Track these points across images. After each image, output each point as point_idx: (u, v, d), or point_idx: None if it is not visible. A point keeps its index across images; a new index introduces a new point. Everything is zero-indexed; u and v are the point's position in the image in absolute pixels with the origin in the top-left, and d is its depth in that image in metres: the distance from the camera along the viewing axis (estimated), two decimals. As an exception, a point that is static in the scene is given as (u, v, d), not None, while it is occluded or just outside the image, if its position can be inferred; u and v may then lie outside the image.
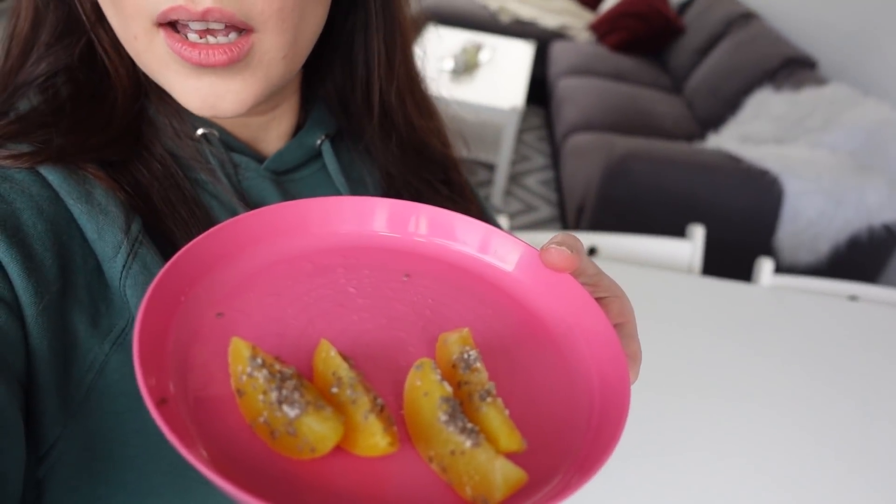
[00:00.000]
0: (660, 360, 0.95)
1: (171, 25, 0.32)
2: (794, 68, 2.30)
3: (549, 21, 3.48)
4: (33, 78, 0.36)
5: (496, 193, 2.55)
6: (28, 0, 0.36)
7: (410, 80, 0.47)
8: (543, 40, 3.36)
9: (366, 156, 0.48)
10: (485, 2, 3.59)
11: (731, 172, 1.74)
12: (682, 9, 3.37)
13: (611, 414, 0.26)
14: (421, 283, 0.32)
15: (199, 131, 0.39)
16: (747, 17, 2.79)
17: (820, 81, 2.14)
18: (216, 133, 0.39)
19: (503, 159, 2.47)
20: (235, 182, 0.39)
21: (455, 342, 0.28)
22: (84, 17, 0.36)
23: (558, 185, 2.69)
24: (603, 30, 3.37)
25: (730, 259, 1.52)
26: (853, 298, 1.21)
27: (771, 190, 1.73)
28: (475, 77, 2.62)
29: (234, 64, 0.33)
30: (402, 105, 0.46)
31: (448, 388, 0.25)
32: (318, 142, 0.44)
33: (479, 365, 0.27)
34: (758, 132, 2.11)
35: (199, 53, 0.32)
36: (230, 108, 0.35)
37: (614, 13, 3.35)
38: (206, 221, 0.37)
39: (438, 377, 0.25)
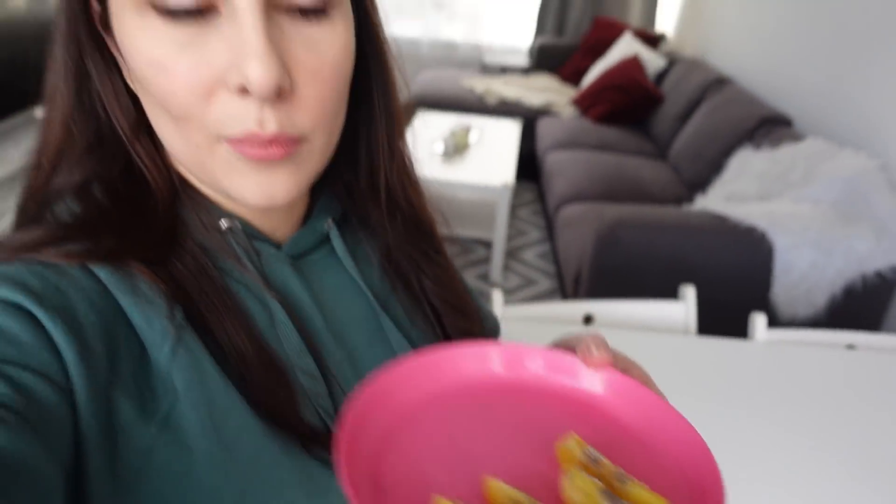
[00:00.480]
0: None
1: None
2: (770, 127, 2.39)
3: (533, 99, 3.64)
4: (67, 187, 0.40)
5: (494, 269, 2.59)
6: (60, 116, 0.41)
7: (406, 163, 0.51)
8: (530, 118, 3.50)
9: (366, 233, 0.52)
10: (471, 86, 3.77)
11: (720, 232, 1.78)
12: (659, 79, 3.53)
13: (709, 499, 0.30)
14: (538, 413, 0.37)
15: (224, 224, 0.43)
16: (721, 81, 2.92)
17: (797, 137, 2.22)
18: (238, 224, 0.43)
19: (499, 235, 2.53)
20: (259, 268, 0.43)
21: (573, 445, 0.33)
22: (123, 134, 0.41)
23: (555, 256, 2.74)
24: (586, 104, 3.52)
25: (728, 318, 1.53)
26: (851, 347, 1.22)
27: (760, 246, 1.77)
28: (466, 157, 2.72)
29: (288, 157, 0.38)
30: (403, 186, 0.51)
31: (598, 481, 0.30)
32: (326, 227, 0.49)
33: (602, 458, 0.32)
34: (742, 190, 2.17)
35: (262, 151, 0.37)
36: (284, 196, 0.39)
37: (595, 87, 3.51)
38: (236, 308, 0.40)
39: (587, 476, 0.30)
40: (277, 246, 0.46)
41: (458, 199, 2.84)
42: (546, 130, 3.29)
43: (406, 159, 0.52)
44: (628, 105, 3.36)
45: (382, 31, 0.46)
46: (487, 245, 2.75)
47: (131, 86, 0.40)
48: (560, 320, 1.25)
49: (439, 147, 2.69)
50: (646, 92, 3.35)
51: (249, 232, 0.44)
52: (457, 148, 2.74)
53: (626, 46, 3.68)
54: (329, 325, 0.46)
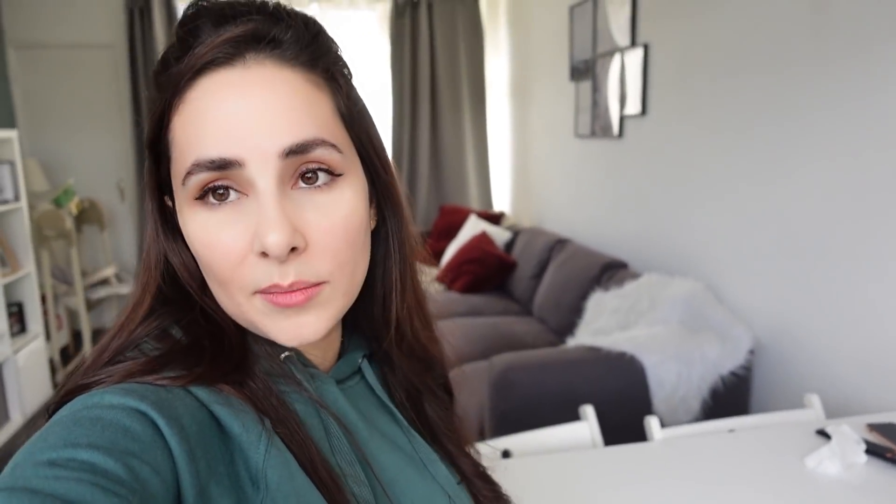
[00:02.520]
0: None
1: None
2: (612, 271, 2.75)
3: (401, 282, 3.86)
4: (147, 332, 0.48)
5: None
6: (153, 279, 0.50)
7: (418, 300, 0.60)
8: (401, 299, 3.69)
9: (388, 364, 0.60)
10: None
11: (597, 360, 1.98)
12: (509, 247, 3.95)
13: None
14: None
15: (283, 354, 0.50)
16: (562, 242, 3.35)
17: (635, 275, 2.58)
18: (293, 355, 0.51)
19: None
20: (314, 389, 0.50)
21: None
22: (192, 292, 0.50)
23: (452, 421, 2.77)
24: (449, 278, 3.80)
25: (623, 432, 1.66)
26: (731, 431, 1.39)
27: (633, 367, 1.97)
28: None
29: (309, 302, 0.46)
30: (412, 320, 0.59)
31: None
32: (359, 360, 0.57)
33: None
34: (604, 326, 2.43)
35: (285, 298, 0.45)
36: (311, 335, 0.47)
37: (454, 263, 3.83)
38: (297, 422, 0.47)
39: None
40: (324, 374, 0.54)
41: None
42: (419, 307, 3.48)
43: (418, 296, 0.60)
44: (487, 273, 3.69)
45: (396, 184, 0.54)
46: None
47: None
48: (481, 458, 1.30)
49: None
50: (499, 260, 3.71)
51: (303, 361, 0.52)
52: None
53: (473, 226, 4.12)
54: (372, 438, 0.53)
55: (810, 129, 1.85)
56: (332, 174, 0.46)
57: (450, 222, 4.37)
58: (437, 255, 4.28)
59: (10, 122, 4.00)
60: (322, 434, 0.49)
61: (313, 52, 0.47)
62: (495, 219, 4.34)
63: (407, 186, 4.70)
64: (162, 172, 0.49)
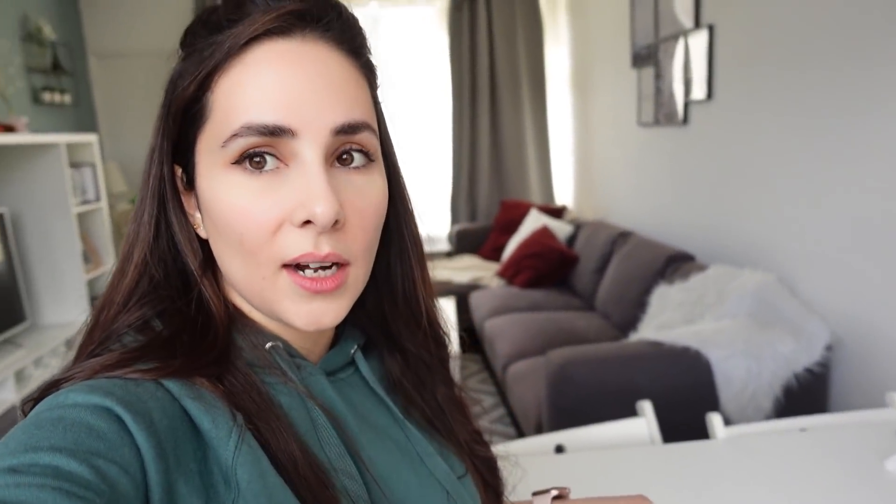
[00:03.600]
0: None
1: (292, 266, 0.45)
2: (677, 264, 2.65)
3: (461, 277, 3.86)
4: (132, 321, 0.46)
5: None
6: (139, 258, 0.48)
7: (432, 288, 0.60)
8: (461, 294, 3.69)
9: (390, 352, 0.59)
10: (401, 274, 3.97)
11: (659, 355, 1.90)
12: (571, 241, 3.87)
13: None
14: None
15: (269, 344, 0.49)
16: (625, 234, 3.26)
17: (701, 267, 2.47)
18: (280, 345, 0.50)
19: (453, 404, 2.53)
20: (301, 380, 0.49)
21: None
22: (194, 271, 0.49)
23: (512, 418, 2.75)
24: (510, 273, 3.77)
25: (686, 431, 1.59)
26: (803, 430, 1.30)
27: (698, 363, 1.88)
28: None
29: (336, 290, 0.46)
30: (432, 307, 0.60)
31: None
32: (352, 351, 0.56)
33: None
34: (668, 321, 2.34)
35: (317, 284, 0.45)
36: (329, 322, 0.46)
37: (515, 258, 3.79)
38: (283, 416, 0.46)
39: None
40: (313, 364, 0.52)
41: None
42: (479, 302, 3.46)
43: (431, 285, 0.60)
44: (548, 268, 3.63)
45: (404, 180, 0.57)
46: (443, 418, 2.73)
47: (201, 234, 0.49)
48: (532, 453, 1.27)
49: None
50: (561, 254, 3.64)
51: (290, 351, 0.50)
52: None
53: (534, 220, 4.06)
54: (362, 431, 0.51)
55: (891, 116, 1.72)
56: (368, 159, 0.48)
57: (511, 217, 4.33)
58: (498, 250, 4.25)
59: (92, 127, 4.24)
60: (309, 427, 0.47)
61: (358, 43, 0.49)
62: (557, 213, 4.27)
63: (467, 182, 4.69)
64: (187, 136, 0.47)
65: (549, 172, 4.76)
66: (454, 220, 4.75)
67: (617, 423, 1.32)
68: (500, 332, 2.91)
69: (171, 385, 0.42)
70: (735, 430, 1.29)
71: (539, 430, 2.01)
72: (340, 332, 0.57)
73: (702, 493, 1.05)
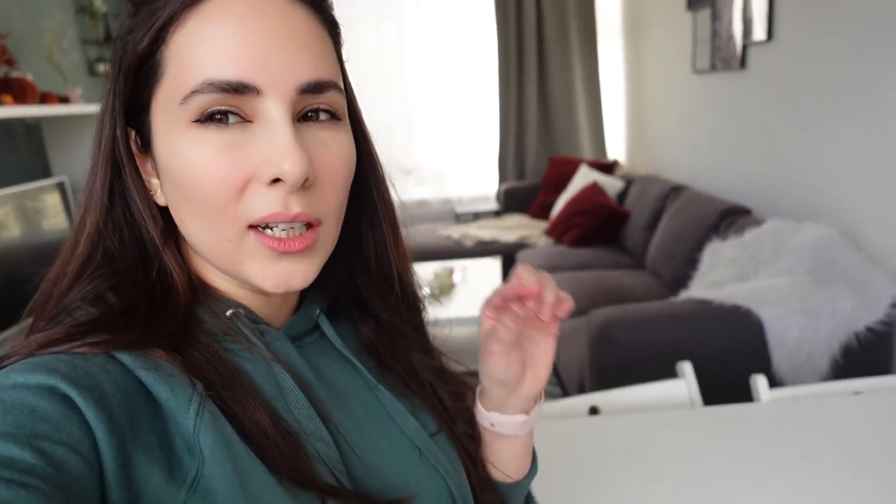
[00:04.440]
0: (680, 494, 0.93)
1: (259, 226, 0.43)
2: (732, 218, 2.52)
3: (508, 236, 3.81)
4: (86, 293, 0.45)
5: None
6: (93, 228, 0.46)
7: (406, 249, 0.58)
8: (508, 253, 3.65)
9: (361, 316, 0.57)
10: (447, 233, 3.96)
11: (706, 315, 1.82)
12: (620, 198, 3.75)
13: None
14: None
15: (229, 311, 0.47)
16: (678, 189, 3.12)
17: (758, 222, 2.34)
18: (242, 311, 0.48)
19: (497, 363, 2.53)
20: (266, 344, 0.47)
21: None
22: (155, 240, 0.46)
23: (557, 378, 2.72)
24: (558, 231, 3.69)
25: (738, 395, 1.53)
26: (857, 393, 1.22)
27: (749, 322, 1.80)
28: (452, 296, 2.80)
29: (305, 250, 0.44)
30: (406, 270, 0.58)
31: None
32: (316, 314, 0.54)
33: None
34: (720, 278, 2.24)
35: (285, 244, 0.43)
36: (299, 283, 0.45)
37: (564, 215, 3.71)
38: (248, 383, 0.44)
39: None
40: (276, 329, 0.51)
41: (451, 337, 2.86)
42: (525, 260, 3.42)
43: (404, 247, 0.58)
44: (597, 225, 3.53)
45: (372, 142, 0.55)
46: (488, 378, 2.74)
47: (159, 201, 0.47)
48: (565, 415, 1.24)
49: (424, 291, 2.78)
50: (611, 211, 3.54)
51: (251, 317, 0.49)
52: (442, 289, 2.83)
53: (584, 176, 3.95)
54: (330, 393, 0.50)
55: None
56: (335, 117, 0.46)
57: (560, 174, 4.22)
58: (547, 208, 4.16)
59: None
60: (277, 392, 0.46)
61: None
62: (608, 168, 4.14)
63: (515, 139, 4.58)
64: (141, 96, 0.44)
65: (600, 126, 4.60)
66: (502, 178, 4.68)
67: (655, 385, 1.28)
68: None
69: (125, 357, 0.40)
70: (781, 392, 1.23)
71: (582, 390, 1.98)
72: (304, 296, 0.55)
73: (738, 458, 1.01)
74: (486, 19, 4.50)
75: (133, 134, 0.47)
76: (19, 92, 2.44)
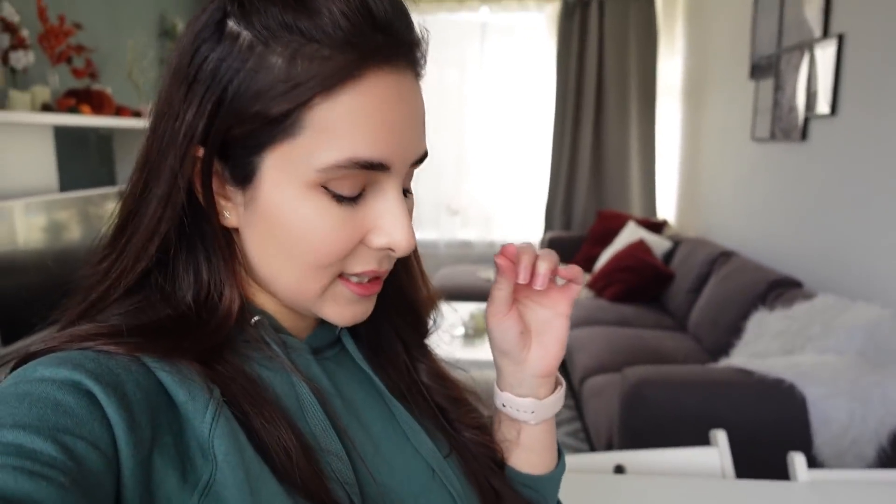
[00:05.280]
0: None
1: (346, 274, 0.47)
2: (781, 289, 2.45)
3: (549, 286, 3.78)
4: (120, 301, 0.45)
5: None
6: (137, 249, 0.44)
7: (418, 261, 0.59)
8: (547, 302, 3.61)
9: (373, 332, 0.58)
10: (487, 276, 3.95)
11: (746, 385, 1.76)
12: (668, 258, 3.68)
13: None
14: None
15: (254, 319, 0.47)
16: (727, 254, 3.06)
17: (808, 296, 2.27)
18: (265, 320, 0.48)
19: (526, 412, 2.48)
20: (287, 355, 0.48)
21: None
22: (218, 268, 0.46)
23: (586, 434, 2.65)
24: (600, 285, 3.64)
25: (771, 474, 1.46)
26: (904, 485, 1.15)
27: (792, 398, 1.73)
28: (486, 338, 2.78)
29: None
30: (416, 285, 0.59)
31: None
32: (338, 330, 0.55)
33: None
34: (764, 350, 2.17)
35: (366, 290, 0.48)
36: (363, 317, 0.50)
37: (607, 269, 3.66)
38: (268, 393, 0.45)
39: None
40: (299, 340, 0.51)
41: (482, 379, 2.83)
42: (564, 312, 3.37)
43: (418, 260, 0.59)
44: (641, 283, 3.47)
45: None
46: (515, 426, 2.68)
47: (226, 222, 0.46)
48: (590, 470, 1.21)
49: (459, 331, 2.77)
50: (656, 270, 3.48)
51: (276, 326, 0.49)
52: (476, 330, 2.82)
53: (631, 233, 3.91)
54: (348, 409, 0.50)
55: None
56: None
57: (607, 228, 4.19)
58: (591, 260, 4.12)
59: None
60: (295, 403, 0.46)
61: (424, 68, 0.49)
62: (657, 227, 4.08)
63: (564, 190, 4.59)
64: (248, 136, 0.42)
65: (652, 185, 4.56)
66: (548, 226, 4.67)
67: (686, 450, 1.23)
68: (582, 344, 2.81)
69: (147, 358, 0.41)
70: (821, 474, 1.16)
71: (609, 447, 1.92)
72: None
73: (771, 538, 0.96)
74: (547, 68, 4.57)
75: (201, 151, 0.44)
76: (97, 103, 2.59)
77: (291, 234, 0.44)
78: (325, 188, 0.43)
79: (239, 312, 0.46)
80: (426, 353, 0.60)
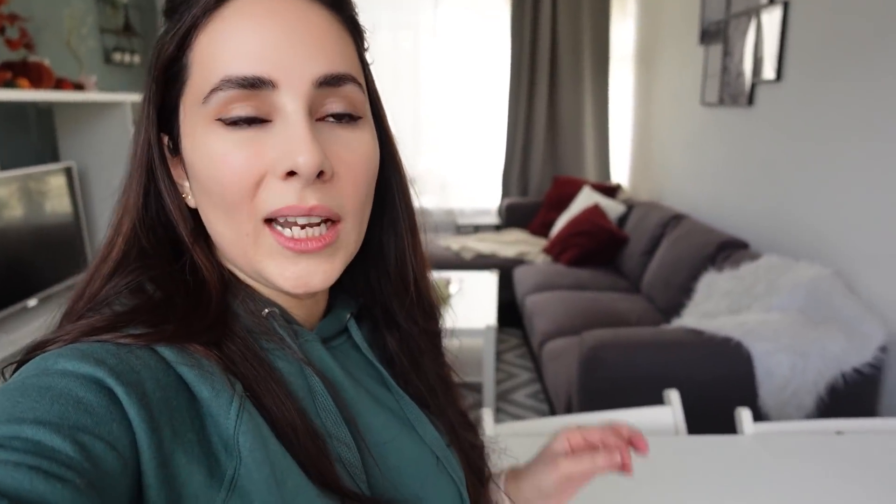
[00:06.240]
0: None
1: (275, 223, 0.44)
2: (729, 251, 2.55)
3: (507, 251, 3.84)
4: (122, 287, 0.45)
5: (486, 412, 2.57)
6: (129, 226, 0.47)
7: (424, 256, 0.59)
8: (506, 268, 3.67)
9: (385, 323, 0.59)
10: (447, 244, 3.98)
11: (697, 344, 1.85)
12: (622, 221, 3.78)
13: None
14: None
15: (266, 311, 0.48)
16: (678, 217, 3.15)
17: (754, 256, 2.37)
18: (277, 311, 0.49)
19: (488, 377, 2.55)
20: (299, 346, 0.48)
21: None
22: (185, 238, 0.48)
23: (546, 395, 2.74)
24: (556, 250, 3.72)
25: (722, 426, 1.55)
26: (840, 433, 1.24)
27: (738, 355, 1.82)
28: (448, 307, 2.82)
29: (325, 249, 0.45)
30: (424, 278, 0.59)
31: None
32: (346, 318, 0.55)
33: None
34: (714, 309, 2.26)
35: (301, 244, 0.44)
36: (318, 284, 0.46)
37: (563, 235, 3.74)
38: (280, 381, 0.45)
39: None
40: (309, 331, 0.52)
41: (450, 346, 2.88)
42: (522, 277, 3.44)
43: (423, 254, 0.59)
44: (596, 247, 3.56)
45: (397, 146, 0.56)
46: (478, 389, 2.75)
47: (190, 203, 0.48)
48: (550, 434, 1.26)
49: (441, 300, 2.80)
50: (610, 234, 3.57)
51: (286, 317, 0.50)
52: (438, 299, 2.85)
53: (586, 198, 3.98)
54: (358, 398, 0.51)
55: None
56: (356, 115, 0.47)
57: (562, 193, 4.25)
58: (547, 226, 4.19)
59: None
60: (307, 394, 0.47)
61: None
62: (611, 191, 4.17)
63: (520, 156, 4.62)
64: (170, 100, 0.46)
65: (606, 150, 4.64)
66: (505, 193, 4.71)
67: (641, 410, 1.30)
68: (541, 308, 2.89)
69: (166, 352, 0.41)
70: (765, 426, 1.25)
71: (569, 410, 2.00)
72: (334, 298, 0.57)
73: (719, 490, 1.03)
74: (501, 35, 4.55)
75: (165, 139, 0.48)
76: (35, 76, 2.47)
77: (203, 176, 0.44)
78: (220, 120, 0.43)
79: (222, 284, 0.47)
80: (435, 352, 0.62)
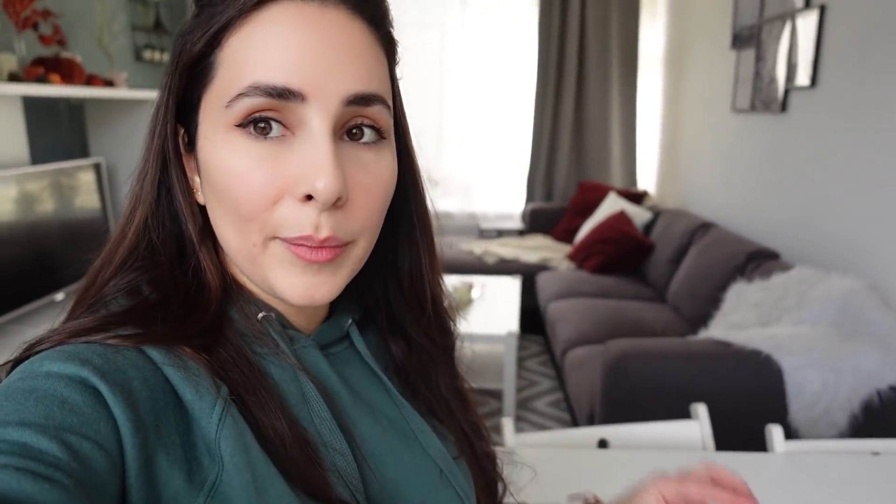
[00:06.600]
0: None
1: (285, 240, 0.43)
2: (759, 261, 2.49)
3: (530, 257, 3.80)
4: (122, 285, 0.45)
5: (507, 422, 2.54)
6: (140, 219, 0.47)
7: (440, 270, 0.58)
8: (528, 274, 3.64)
9: (393, 333, 0.57)
10: (469, 248, 3.96)
11: (725, 357, 1.80)
12: (648, 229, 3.72)
13: None
14: None
15: (261, 315, 0.47)
16: (706, 226, 3.09)
17: (785, 267, 2.31)
18: (273, 315, 0.48)
19: (508, 384, 2.52)
20: (294, 352, 0.47)
21: None
22: (193, 237, 0.47)
23: (567, 403, 2.70)
24: (580, 257, 3.67)
25: (749, 443, 1.50)
26: (875, 454, 1.19)
27: (768, 369, 1.77)
28: (470, 312, 2.79)
29: (334, 260, 0.44)
30: (439, 293, 0.58)
31: None
32: (347, 325, 0.54)
33: None
34: (742, 320, 2.21)
35: (312, 253, 0.43)
36: (323, 297, 0.44)
37: (588, 241, 3.69)
38: (272, 389, 0.44)
39: None
40: (306, 337, 0.51)
41: (464, 354, 2.86)
42: (545, 283, 3.40)
43: (439, 267, 0.58)
44: (621, 254, 3.51)
45: (417, 160, 0.55)
46: (498, 396, 2.72)
47: (199, 200, 0.47)
48: (573, 445, 1.23)
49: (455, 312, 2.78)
50: (636, 241, 3.51)
51: (282, 322, 0.49)
52: (459, 304, 2.83)
53: (612, 204, 3.93)
54: (355, 405, 0.50)
55: None
56: (380, 135, 0.45)
57: (588, 199, 4.20)
58: (571, 232, 4.15)
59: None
60: (300, 400, 0.46)
61: (380, 13, 0.46)
62: (637, 198, 4.11)
63: (545, 160, 4.58)
64: (192, 95, 0.45)
65: (633, 156, 4.58)
66: (529, 198, 4.67)
67: (667, 424, 1.26)
68: (564, 315, 2.85)
69: (154, 353, 0.40)
70: (797, 445, 1.20)
71: (591, 420, 1.96)
72: (336, 304, 0.55)
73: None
74: (528, 38, 4.52)
75: (182, 131, 0.47)
76: (67, 72, 2.50)
77: (219, 184, 0.43)
78: (241, 127, 0.42)
79: (223, 289, 0.47)
80: (450, 365, 0.60)
